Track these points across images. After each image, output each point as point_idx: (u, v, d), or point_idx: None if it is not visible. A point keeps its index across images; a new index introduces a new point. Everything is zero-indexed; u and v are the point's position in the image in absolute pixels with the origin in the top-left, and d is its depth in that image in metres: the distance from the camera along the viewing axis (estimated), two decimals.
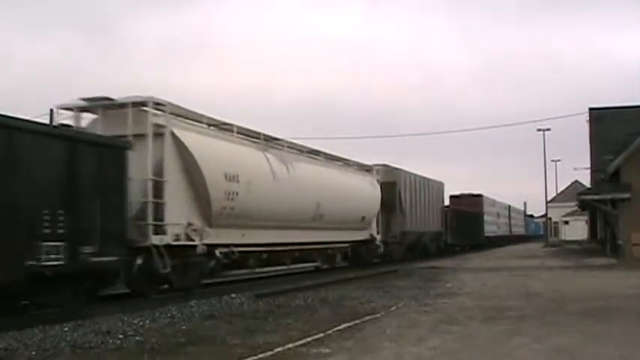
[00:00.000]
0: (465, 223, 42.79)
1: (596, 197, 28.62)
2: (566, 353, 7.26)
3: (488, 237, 51.65)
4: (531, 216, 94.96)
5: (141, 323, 9.45)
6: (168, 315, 10.38)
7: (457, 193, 47.78)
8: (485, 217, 51.12)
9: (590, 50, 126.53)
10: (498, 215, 58.95)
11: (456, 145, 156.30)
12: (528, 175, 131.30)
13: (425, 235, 32.18)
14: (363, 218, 22.69)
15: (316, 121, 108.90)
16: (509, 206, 67.58)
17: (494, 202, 56.80)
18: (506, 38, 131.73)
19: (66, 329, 8.77)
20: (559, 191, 71.05)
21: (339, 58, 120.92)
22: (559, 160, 66.58)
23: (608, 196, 27.29)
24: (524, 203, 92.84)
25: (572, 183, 67.99)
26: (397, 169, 28.62)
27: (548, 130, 54.84)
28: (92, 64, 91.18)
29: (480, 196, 50.44)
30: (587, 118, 36.26)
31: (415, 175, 31.06)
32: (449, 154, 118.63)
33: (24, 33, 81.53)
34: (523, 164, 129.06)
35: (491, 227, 54.69)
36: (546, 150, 57.96)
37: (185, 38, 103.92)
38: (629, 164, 26.82)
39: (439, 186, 35.77)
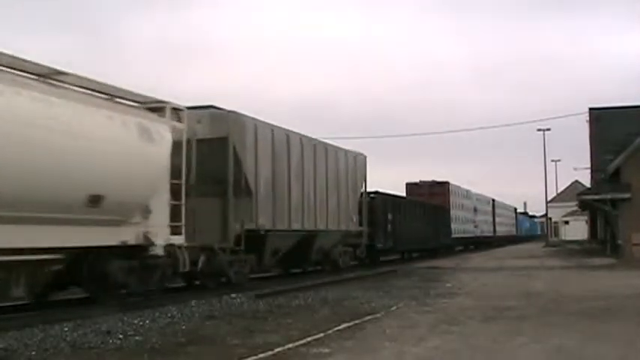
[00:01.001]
0: (418, 221, 31.05)
1: (596, 197, 28.62)
2: (566, 353, 7.27)
3: (458, 239, 40.83)
4: (525, 213, 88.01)
5: (141, 323, 9.45)
6: (168, 315, 10.38)
7: (416, 180, 39.34)
8: (454, 213, 40.15)
9: (590, 50, 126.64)
10: (476, 210, 47.76)
11: (456, 145, 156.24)
12: (528, 175, 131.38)
13: (320, 238, 19.11)
14: (99, 201, 10.19)
15: (316, 122, 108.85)
16: (494, 200, 56.54)
17: (468, 194, 45.76)
18: (506, 38, 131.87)
19: (66, 329, 8.76)
20: (559, 191, 71.15)
21: (338, 58, 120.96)
22: (559, 160, 66.67)
23: (608, 196, 27.30)
24: (525, 203, 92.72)
25: (572, 183, 68.02)
26: (237, 114, 15.05)
27: (548, 130, 54.99)
28: (90, 63, 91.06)
29: (444, 184, 39.43)
30: (587, 118, 36.31)
31: (289, 132, 17.37)
32: (449, 154, 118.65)
33: (21, 32, 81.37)
34: (523, 164, 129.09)
35: (464, 226, 43.36)
36: (546, 150, 57.97)
37: (185, 39, 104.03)
38: (629, 164, 26.83)
39: (354, 160, 22.02)
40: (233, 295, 12.82)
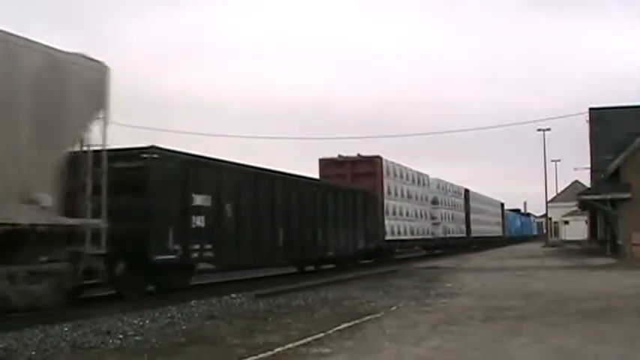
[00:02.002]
0: (296, 213, 18.54)
1: (596, 197, 28.65)
2: (566, 353, 7.26)
3: (398, 241, 28.39)
4: (517, 210, 78.25)
5: (141, 323, 9.47)
6: (168, 315, 10.40)
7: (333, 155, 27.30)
8: (391, 203, 27.54)
9: (590, 50, 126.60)
10: (437, 203, 35.49)
11: (456, 145, 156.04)
12: (528, 175, 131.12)
13: None
14: None
15: (315, 122, 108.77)
16: (467, 191, 44.22)
17: (420, 178, 32.89)
18: (506, 38, 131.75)
19: (66, 329, 8.78)
20: (559, 191, 71.21)
21: (338, 58, 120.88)
22: (559, 160, 66.49)
23: (608, 196, 27.32)
24: (525, 203, 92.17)
25: (572, 183, 68.13)
26: None
27: (548, 130, 54.93)
28: None
29: (375, 159, 26.86)
30: (587, 118, 36.34)
31: None
32: (449, 154, 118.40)
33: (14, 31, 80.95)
34: (523, 164, 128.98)
35: (412, 223, 30.41)
36: (546, 150, 57.85)
37: (181, 39, 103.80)
38: (629, 164, 26.85)
39: (50, 67, 9.88)
40: (233, 295, 12.87)
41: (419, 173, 32.76)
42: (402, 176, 29.66)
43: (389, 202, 27.31)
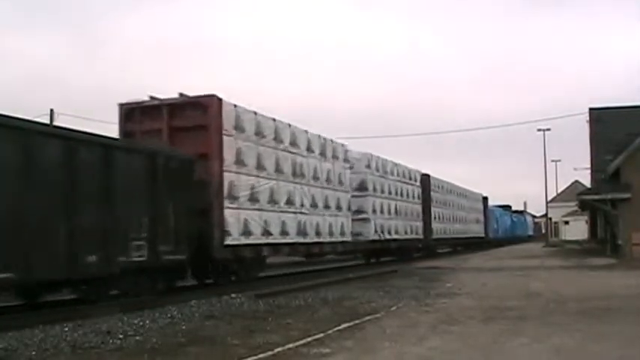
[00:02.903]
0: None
1: (596, 197, 28.64)
2: (566, 353, 7.26)
3: (275, 247, 17.38)
4: (507, 206, 67.21)
5: (141, 323, 9.47)
6: (168, 315, 10.40)
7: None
8: (246, 181, 15.78)
9: (590, 50, 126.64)
10: (365, 189, 24.55)
11: (456, 146, 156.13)
12: (528, 175, 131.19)
13: None
14: None
15: (315, 123, 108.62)
16: (428, 177, 33.32)
17: (326, 147, 20.89)
18: (506, 38, 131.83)
19: (66, 329, 8.78)
20: (559, 191, 71.25)
21: (336, 59, 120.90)
22: (559, 160, 66.45)
23: (608, 196, 27.31)
24: (525, 203, 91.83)
25: (572, 183, 68.17)
26: None
27: (548, 130, 55.02)
28: (80, 65, 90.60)
29: (208, 102, 15.05)
30: (587, 118, 36.35)
31: None
32: (449, 154, 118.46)
33: (10, 32, 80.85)
34: (523, 164, 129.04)
35: (302, 218, 18.61)
36: (546, 150, 57.82)
37: (179, 38, 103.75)
38: (629, 164, 26.84)
39: None
40: (233, 295, 12.86)
41: (324, 139, 20.82)
42: (278, 139, 17.68)
43: (238, 179, 15.66)
